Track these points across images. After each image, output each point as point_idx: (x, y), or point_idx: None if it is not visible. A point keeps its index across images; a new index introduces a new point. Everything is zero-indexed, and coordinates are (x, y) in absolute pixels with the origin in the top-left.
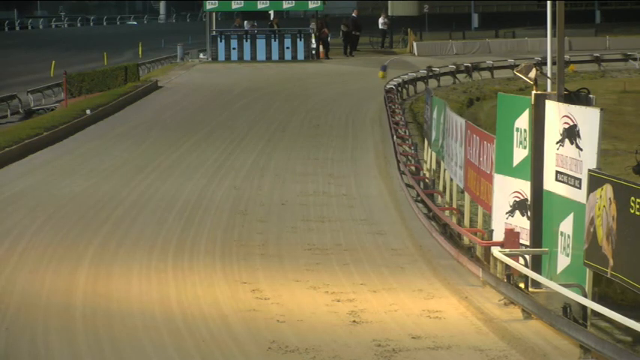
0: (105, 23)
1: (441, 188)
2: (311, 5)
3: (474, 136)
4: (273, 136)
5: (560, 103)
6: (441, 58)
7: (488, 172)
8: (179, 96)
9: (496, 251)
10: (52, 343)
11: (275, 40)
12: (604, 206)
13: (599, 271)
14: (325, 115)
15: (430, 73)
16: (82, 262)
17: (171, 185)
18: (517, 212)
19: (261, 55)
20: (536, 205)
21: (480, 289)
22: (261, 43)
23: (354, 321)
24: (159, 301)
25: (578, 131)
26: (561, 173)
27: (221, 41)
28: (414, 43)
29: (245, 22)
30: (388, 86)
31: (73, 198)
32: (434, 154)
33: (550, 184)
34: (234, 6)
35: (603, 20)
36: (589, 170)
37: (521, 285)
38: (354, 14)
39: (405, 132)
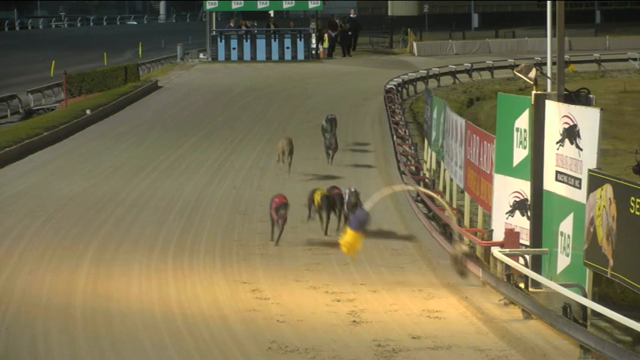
0: (105, 23)
1: (441, 188)
2: (311, 5)
3: (474, 136)
4: (273, 136)
5: (560, 103)
6: (441, 58)
7: (488, 172)
8: (179, 96)
9: (496, 251)
10: (52, 343)
11: (275, 40)
12: (604, 206)
13: (599, 271)
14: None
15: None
16: (82, 262)
17: (172, 185)
18: (517, 212)
19: (261, 55)
20: (536, 205)
21: (479, 289)
22: (261, 43)
23: (354, 321)
24: (159, 301)
25: (578, 131)
26: (561, 173)
27: (221, 41)
28: (414, 43)
29: (246, 22)
30: (388, 86)
31: (73, 198)
32: (434, 154)
33: (550, 184)
34: (234, 6)
35: (603, 20)
36: (589, 170)
37: (521, 285)
38: (351, 14)
39: (405, 132)
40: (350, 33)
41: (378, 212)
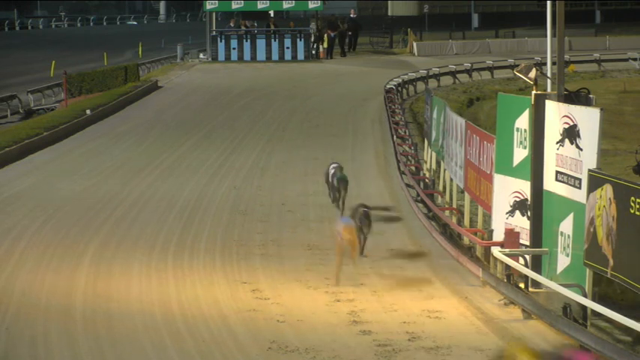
0: (105, 23)
1: (441, 188)
2: (311, 5)
3: (474, 136)
4: (273, 136)
5: (560, 103)
6: (441, 58)
7: (488, 172)
8: (179, 96)
9: (496, 251)
10: (52, 343)
11: (275, 40)
12: (604, 206)
13: (599, 271)
14: (325, 115)
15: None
16: (82, 262)
17: (172, 185)
18: (517, 212)
19: (261, 55)
20: (536, 205)
21: (480, 289)
22: (261, 43)
23: (354, 321)
24: (159, 301)
25: (578, 131)
26: (561, 173)
27: (221, 41)
28: (414, 43)
29: (246, 22)
30: (388, 86)
31: (73, 198)
32: (434, 154)
33: (550, 184)
34: (234, 6)
35: (603, 20)
36: (589, 170)
37: (521, 285)
38: (351, 14)
39: (405, 132)
40: (350, 33)
41: (377, 212)
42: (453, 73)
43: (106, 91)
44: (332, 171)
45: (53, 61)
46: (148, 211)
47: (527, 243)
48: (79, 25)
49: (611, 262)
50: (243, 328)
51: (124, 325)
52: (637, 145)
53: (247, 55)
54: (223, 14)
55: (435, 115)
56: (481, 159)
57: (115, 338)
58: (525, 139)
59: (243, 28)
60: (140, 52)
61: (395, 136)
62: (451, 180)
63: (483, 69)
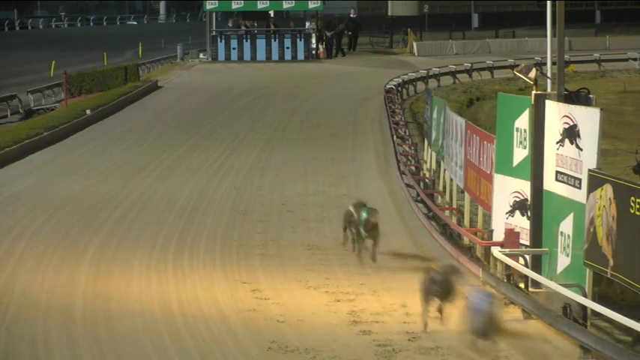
0: (105, 23)
1: (441, 188)
2: (311, 5)
3: (474, 136)
4: (273, 136)
5: (560, 103)
6: (441, 58)
7: (488, 172)
8: (179, 96)
9: (496, 251)
10: (52, 343)
11: (275, 40)
12: (604, 206)
13: (599, 271)
14: (325, 115)
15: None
16: (82, 262)
17: (172, 185)
18: (517, 212)
19: (261, 55)
20: (536, 205)
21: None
22: (261, 43)
23: (354, 321)
24: (159, 301)
25: (578, 131)
26: (561, 173)
27: (221, 41)
28: (414, 43)
29: (246, 21)
30: (388, 86)
31: (73, 198)
32: (434, 154)
33: (550, 184)
34: (234, 6)
35: (603, 20)
36: (589, 170)
37: (521, 285)
38: (351, 14)
39: (405, 132)
40: (350, 33)
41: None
42: (453, 73)
43: (106, 91)
44: (352, 211)
45: (53, 61)
46: (148, 211)
47: (527, 243)
48: (79, 25)
49: (611, 262)
50: (243, 328)
51: (124, 325)
52: (637, 145)
53: (247, 55)
54: (223, 14)
55: (435, 115)
56: (481, 159)
57: (115, 338)
58: (525, 139)
59: (243, 28)
60: (140, 52)
61: (395, 136)
62: (451, 180)
63: (483, 69)
